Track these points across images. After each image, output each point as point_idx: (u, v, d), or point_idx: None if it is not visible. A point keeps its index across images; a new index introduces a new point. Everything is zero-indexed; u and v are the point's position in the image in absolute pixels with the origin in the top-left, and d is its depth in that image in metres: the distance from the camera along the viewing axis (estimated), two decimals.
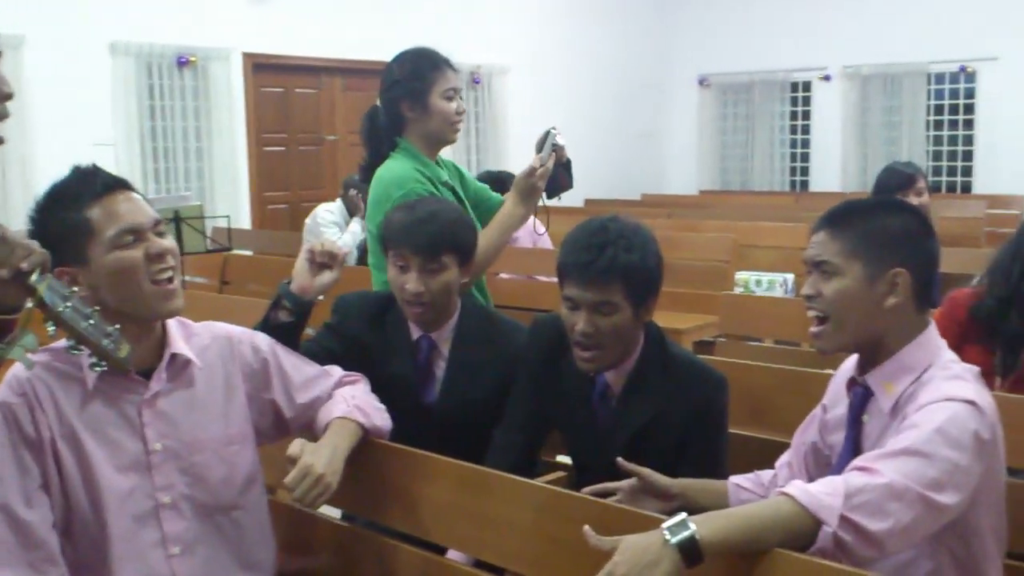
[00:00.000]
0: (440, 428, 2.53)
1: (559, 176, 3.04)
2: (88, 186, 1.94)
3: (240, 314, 3.70)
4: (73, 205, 1.93)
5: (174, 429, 2.03)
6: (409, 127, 3.01)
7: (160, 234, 1.99)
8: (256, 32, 8.27)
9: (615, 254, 2.20)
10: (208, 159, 8.07)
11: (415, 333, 2.62)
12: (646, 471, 2.14)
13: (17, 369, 1.92)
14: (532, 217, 3.07)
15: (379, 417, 2.27)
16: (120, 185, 1.98)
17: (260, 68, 8.46)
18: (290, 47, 8.53)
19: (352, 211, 7.27)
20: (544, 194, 3.04)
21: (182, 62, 7.81)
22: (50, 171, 2.06)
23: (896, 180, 4.42)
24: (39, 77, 6.89)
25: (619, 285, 2.21)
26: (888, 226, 1.92)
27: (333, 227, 7.12)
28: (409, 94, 2.98)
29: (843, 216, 1.96)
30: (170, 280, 1.97)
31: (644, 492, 2.15)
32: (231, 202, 8.09)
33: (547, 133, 3.00)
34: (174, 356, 2.04)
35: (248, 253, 7.13)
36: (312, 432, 2.21)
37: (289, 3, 8.45)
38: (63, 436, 1.93)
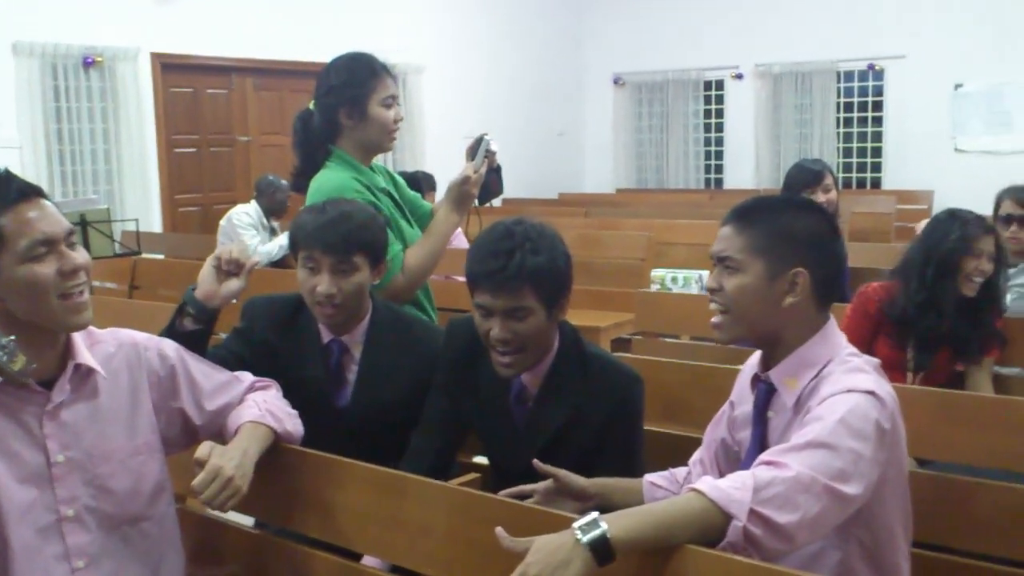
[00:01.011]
0: (353, 432, 2.50)
1: (490, 181, 3.05)
2: (1, 193, 1.87)
3: (150, 320, 3.62)
4: None
5: (77, 440, 1.98)
6: (345, 134, 2.97)
7: (72, 245, 1.93)
8: (164, 31, 8.09)
9: (523, 259, 2.19)
10: (117, 161, 7.86)
11: (326, 336, 2.59)
12: (562, 472, 2.14)
13: None
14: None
15: (291, 423, 2.24)
16: (34, 193, 1.92)
17: (169, 68, 8.29)
18: (199, 47, 8.37)
19: (277, 214, 7.17)
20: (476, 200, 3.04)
21: (88, 62, 7.60)
22: None
23: (804, 177, 4.47)
24: None
25: (530, 289, 2.20)
26: (793, 226, 1.93)
27: (251, 229, 7.02)
28: (348, 101, 2.93)
29: (750, 213, 1.97)
30: (81, 293, 1.93)
31: (560, 493, 2.15)
32: (141, 205, 7.91)
33: (480, 139, 2.98)
34: (78, 366, 1.99)
35: (159, 257, 6.99)
36: (222, 438, 2.17)
37: (197, 2, 8.29)
38: None
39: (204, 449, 2.01)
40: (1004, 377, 3.53)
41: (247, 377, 2.30)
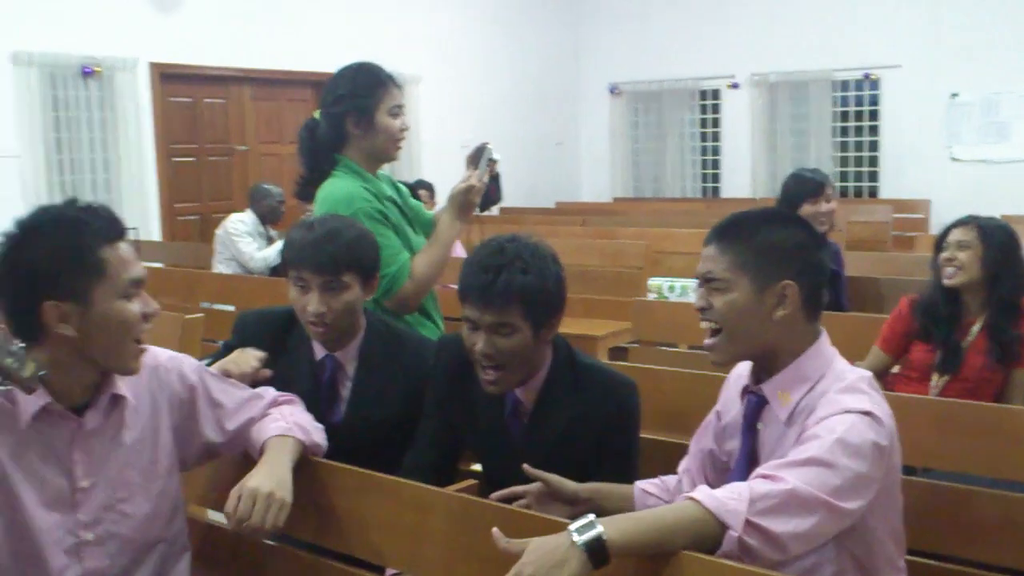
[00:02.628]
0: (346, 449, 2.42)
1: (490, 189, 3.08)
2: (109, 226, 1.90)
3: (150, 329, 3.63)
4: (90, 241, 1.87)
5: (103, 466, 1.99)
6: (352, 143, 2.99)
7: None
8: (162, 41, 8.11)
9: (511, 276, 2.19)
10: (116, 171, 7.88)
11: (319, 353, 2.58)
12: (553, 477, 2.14)
13: None
14: None
15: (318, 435, 2.25)
16: (126, 232, 1.95)
17: (167, 78, 8.31)
18: (197, 56, 8.38)
19: (272, 221, 7.18)
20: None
21: (87, 72, 7.62)
22: None
23: (806, 187, 4.30)
24: None
25: (517, 307, 2.21)
26: (774, 240, 1.94)
27: (247, 237, 7.03)
28: (355, 110, 2.95)
29: (730, 230, 1.98)
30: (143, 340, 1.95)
31: (552, 498, 2.15)
32: (140, 214, 7.93)
33: (482, 148, 3.01)
34: (114, 396, 1.99)
35: (159, 266, 6.99)
36: (247, 454, 2.18)
37: (196, 12, 8.31)
38: None
39: (231, 499, 1.98)
40: None
41: (269, 392, 2.29)
